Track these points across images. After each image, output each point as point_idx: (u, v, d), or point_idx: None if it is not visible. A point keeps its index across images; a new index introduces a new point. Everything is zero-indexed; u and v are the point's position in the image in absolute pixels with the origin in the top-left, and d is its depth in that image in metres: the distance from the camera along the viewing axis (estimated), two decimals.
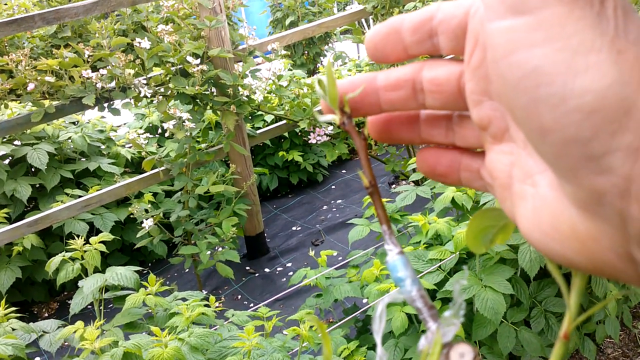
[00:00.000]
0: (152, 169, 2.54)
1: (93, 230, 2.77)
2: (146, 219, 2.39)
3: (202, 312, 1.47)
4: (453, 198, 2.07)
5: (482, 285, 1.80)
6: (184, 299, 1.61)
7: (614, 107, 0.18)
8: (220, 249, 2.58)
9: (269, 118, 3.45)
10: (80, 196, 2.70)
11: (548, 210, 0.23)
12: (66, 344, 2.06)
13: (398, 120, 0.31)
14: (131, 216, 2.58)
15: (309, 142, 3.01)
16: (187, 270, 3.12)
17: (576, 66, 0.18)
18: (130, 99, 2.35)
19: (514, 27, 0.20)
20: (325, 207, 3.65)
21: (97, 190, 2.59)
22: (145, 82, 2.37)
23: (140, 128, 3.46)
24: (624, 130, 0.18)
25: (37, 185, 2.96)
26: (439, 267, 1.92)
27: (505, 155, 0.25)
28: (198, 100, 2.46)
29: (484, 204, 2.04)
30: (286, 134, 3.62)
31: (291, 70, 3.57)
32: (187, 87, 2.35)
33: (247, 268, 3.10)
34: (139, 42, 2.31)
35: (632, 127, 0.18)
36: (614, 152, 0.18)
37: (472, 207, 2.07)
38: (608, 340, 2.36)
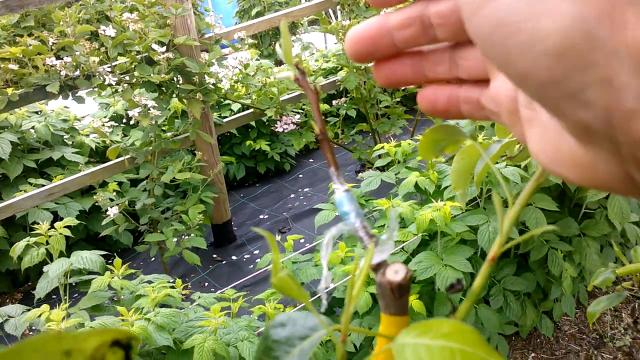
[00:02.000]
0: (117, 158, 2.53)
1: (57, 220, 2.74)
2: (111, 207, 2.38)
3: (168, 293, 1.49)
4: (416, 182, 2.12)
5: (442, 265, 1.86)
6: (149, 282, 1.62)
7: (579, 45, 0.19)
8: (186, 236, 2.59)
9: (235, 107, 3.46)
10: (43, 185, 2.67)
11: (549, 136, 0.24)
12: (30, 333, 2.05)
13: (402, 61, 0.31)
14: (96, 204, 2.56)
15: (276, 130, 3.03)
16: (153, 259, 3.12)
17: (537, 11, 0.19)
18: (94, 87, 2.34)
19: None
20: (292, 196, 3.68)
21: (61, 179, 2.57)
22: (110, 70, 2.36)
23: (105, 117, 3.43)
24: (594, 65, 0.19)
25: (0, 175, 2.92)
26: (402, 248, 1.98)
27: (509, 82, 0.25)
28: (164, 88, 2.46)
29: (445, 187, 2.10)
30: (253, 123, 3.63)
31: (258, 60, 3.58)
32: (152, 75, 2.35)
33: (214, 256, 3.11)
34: (104, 30, 2.30)
35: (600, 60, 0.18)
36: (588, 88, 0.19)
37: (435, 191, 2.13)
38: (565, 317, 2.45)
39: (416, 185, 2.13)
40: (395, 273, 0.30)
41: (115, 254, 3.20)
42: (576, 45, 0.19)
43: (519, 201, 0.30)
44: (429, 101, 0.32)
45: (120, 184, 3.03)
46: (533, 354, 2.30)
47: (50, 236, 1.60)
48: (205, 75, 2.52)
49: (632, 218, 2.14)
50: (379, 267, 0.31)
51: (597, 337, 2.38)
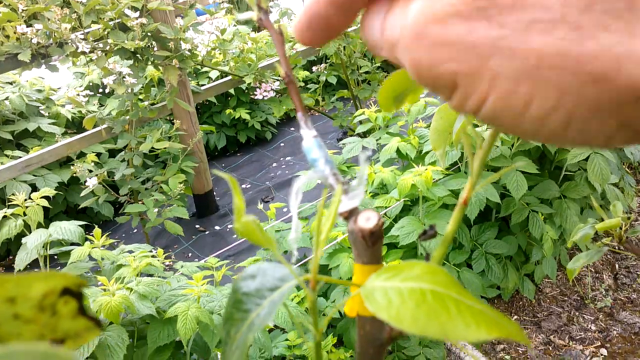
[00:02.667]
0: (94, 128, 2.48)
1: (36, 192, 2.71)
2: (90, 178, 2.34)
3: (150, 262, 1.47)
4: (398, 148, 2.12)
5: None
6: (131, 252, 1.60)
7: None
8: (168, 207, 2.57)
9: (213, 75, 3.41)
10: (20, 157, 2.62)
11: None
12: None
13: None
14: (75, 176, 2.53)
15: (256, 98, 2.99)
16: (135, 230, 3.10)
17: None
18: (67, 55, 2.28)
19: None
20: (274, 165, 3.66)
21: (37, 151, 2.52)
22: (82, 37, 2.29)
23: (80, 86, 3.36)
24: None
25: None
26: (385, 214, 1.98)
27: None
28: (138, 55, 2.40)
29: (427, 152, 2.10)
30: (232, 92, 3.58)
31: (236, 26, 3.51)
32: (126, 42, 2.29)
33: (197, 226, 3.10)
34: None
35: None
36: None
37: (416, 156, 2.12)
38: (546, 280, 2.49)
39: (398, 151, 2.12)
40: (367, 220, 0.29)
41: (96, 226, 3.17)
42: None
43: (488, 140, 0.28)
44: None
45: (99, 155, 2.98)
46: (515, 317, 2.34)
47: (27, 207, 1.57)
48: (181, 41, 2.47)
49: (612, 179, 2.16)
50: (350, 214, 0.30)
51: (579, 298, 2.42)
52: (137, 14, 2.34)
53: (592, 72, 0.18)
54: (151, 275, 1.56)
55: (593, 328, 2.26)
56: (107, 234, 1.62)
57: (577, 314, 2.33)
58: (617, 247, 0.69)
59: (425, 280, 0.22)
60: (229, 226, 3.07)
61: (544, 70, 0.19)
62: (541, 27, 0.19)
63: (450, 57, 0.20)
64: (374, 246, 0.29)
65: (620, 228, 0.68)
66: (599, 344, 2.18)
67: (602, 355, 2.13)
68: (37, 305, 0.19)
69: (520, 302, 2.38)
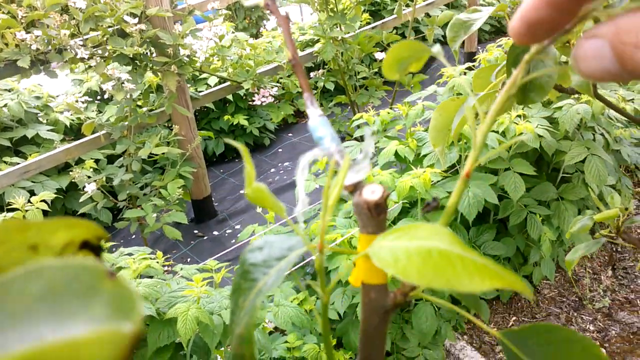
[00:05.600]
0: (92, 134, 2.49)
1: None
2: (88, 184, 2.35)
3: (149, 265, 1.48)
4: (396, 151, 2.13)
5: None
6: (130, 254, 1.61)
7: None
8: (166, 212, 2.57)
9: (212, 82, 3.42)
10: (18, 164, 2.62)
11: None
12: None
13: None
14: (73, 182, 2.53)
15: (254, 104, 3.01)
16: (133, 236, 3.10)
17: None
18: (66, 61, 2.29)
19: None
20: (272, 170, 3.67)
21: (36, 157, 2.53)
22: (81, 43, 2.31)
23: (79, 93, 3.37)
24: None
25: None
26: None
27: None
28: (137, 61, 2.41)
29: (425, 155, 2.11)
30: (231, 98, 3.59)
31: (234, 33, 3.53)
32: (125, 48, 2.31)
33: (196, 231, 3.10)
34: (74, 2, 2.24)
35: None
36: None
37: (414, 159, 2.14)
38: (545, 281, 2.49)
39: (396, 154, 2.13)
40: (372, 193, 0.30)
41: None
42: None
43: (491, 113, 0.29)
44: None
45: (97, 161, 2.99)
46: (514, 318, 2.34)
47: (27, 210, 1.57)
48: (180, 47, 2.48)
49: (609, 181, 2.17)
50: (355, 188, 0.31)
51: (577, 299, 2.42)
52: (136, 20, 2.36)
53: None
54: (151, 278, 1.56)
55: (592, 328, 2.26)
56: (107, 245, 1.62)
57: (575, 314, 2.34)
58: (615, 239, 0.70)
59: (430, 239, 0.23)
60: (228, 231, 3.07)
61: None
62: None
63: None
64: (378, 217, 0.29)
65: (618, 219, 0.69)
66: (598, 344, 2.18)
67: None
68: (58, 255, 0.20)
69: (519, 304, 2.39)
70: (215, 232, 3.07)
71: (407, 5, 3.47)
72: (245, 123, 3.57)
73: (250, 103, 3.23)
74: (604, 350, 2.14)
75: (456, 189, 0.31)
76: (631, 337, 2.21)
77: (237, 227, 3.09)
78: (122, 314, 0.12)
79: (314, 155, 0.32)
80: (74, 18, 2.28)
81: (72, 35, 2.30)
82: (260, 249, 0.30)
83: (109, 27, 2.35)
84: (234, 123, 3.58)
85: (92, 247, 0.21)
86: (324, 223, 0.25)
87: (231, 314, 0.29)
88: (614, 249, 2.67)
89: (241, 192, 3.46)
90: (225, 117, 3.56)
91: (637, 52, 0.21)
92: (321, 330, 0.25)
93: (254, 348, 0.26)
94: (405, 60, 0.32)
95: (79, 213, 2.63)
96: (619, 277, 2.50)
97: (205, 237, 3.05)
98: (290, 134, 4.11)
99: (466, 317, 0.26)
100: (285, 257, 0.28)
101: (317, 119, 0.33)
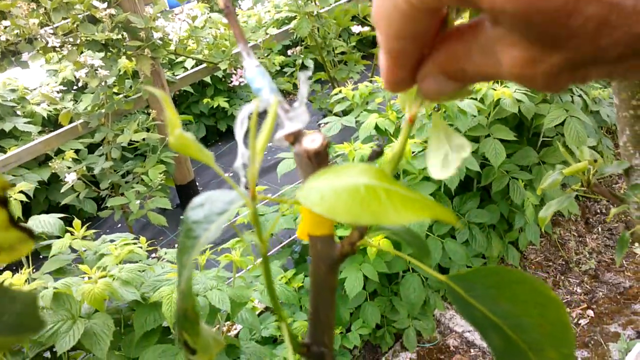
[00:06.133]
0: (70, 123, 2.46)
1: None
2: (69, 174, 2.32)
3: (132, 250, 1.47)
4: (376, 124, 2.12)
5: None
6: (112, 241, 1.59)
7: None
8: (150, 198, 2.55)
9: (189, 65, 3.38)
10: None
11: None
12: None
13: None
14: (55, 174, 2.50)
15: (233, 85, 2.97)
16: (119, 225, 3.08)
17: None
18: (38, 50, 2.24)
19: None
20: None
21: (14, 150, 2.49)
22: (52, 31, 2.26)
23: (54, 83, 3.32)
24: None
25: None
26: None
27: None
28: (110, 47, 2.38)
29: None
30: (209, 80, 3.56)
31: (209, 14, 3.48)
32: (96, 34, 2.27)
33: (182, 217, 3.08)
34: None
35: None
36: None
37: (395, 131, 2.13)
38: (530, 246, 2.51)
39: (376, 127, 2.12)
40: (312, 142, 0.29)
41: (75, 217, 3.15)
42: None
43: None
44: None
45: (77, 151, 2.95)
46: None
47: None
48: (152, 31, 2.44)
49: (590, 142, 2.18)
50: (296, 138, 0.30)
51: (563, 263, 2.45)
52: (106, 5, 2.32)
53: None
54: (136, 263, 1.55)
55: (579, 291, 2.29)
56: (89, 225, 1.61)
57: (562, 278, 2.36)
58: (587, 192, 0.70)
59: (358, 177, 0.22)
60: None
61: None
62: None
63: None
64: (319, 166, 0.29)
65: (589, 172, 0.68)
66: (586, 305, 2.22)
67: (589, 316, 2.17)
68: None
69: None
70: None
71: None
72: (226, 105, 3.54)
73: (229, 85, 3.19)
74: (591, 312, 2.17)
75: (402, 133, 0.30)
76: (618, 297, 2.23)
77: None
78: None
79: (253, 108, 0.31)
80: (43, 7, 2.24)
81: (42, 24, 2.26)
82: (202, 205, 0.29)
83: (79, 13, 2.31)
84: (214, 106, 3.55)
85: (1, 202, 0.20)
86: (253, 169, 0.24)
87: (178, 274, 0.28)
88: (597, 210, 2.69)
89: (226, 175, 3.43)
90: (205, 100, 3.53)
91: (463, 72, 0.25)
92: (265, 284, 0.24)
93: (195, 301, 0.25)
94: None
95: (62, 204, 2.60)
96: (604, 238, 2.53)
97: None
98: None
99: (424, 269, 0.26)
100: (226, 210, 0.28)
101: (254, 70, 0.32)
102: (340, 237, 1.71)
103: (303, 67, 3.52)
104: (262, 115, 0.31)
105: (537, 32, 0.20)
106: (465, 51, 0.24)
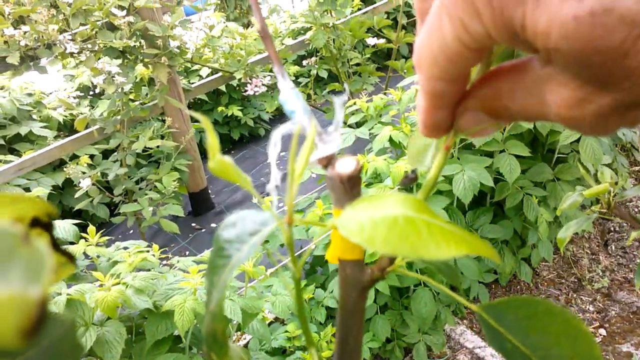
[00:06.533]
0: (85, 129, 2.48)
1: None
2: (83, 179, 2.34)
3: (145, 258, 1.47)
4: (390, 137, 2.12)
5: None
6: (126, 248, 1.60)
7: None
8: (163, 205, 2.56)
9: (204, 73, 3.40)
10: (12, 161, 2.61)
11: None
12: None
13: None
14: (69, 179, 2.52)
15: (247, 94, 2.99)
16: (131, 231, 3.09)
17: None
18: (56, 56, 2.27)
19: None
20: (268, 161, 3.64)
21: (30, 154, 2.51)
22: (70, 38, 2.29)
23: (71, 89, 3.35)
24: None
25: None
26: None
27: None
28: (127, 54, 2.40)
29: None
30: (224, 89, 3.58)
31: (224, 23, 3.51)
32: (114, 41, 2.29)
33: (193, 225, 3.09)
34: None
35: None
36: None
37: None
38: (543, 263, 2.49)
39: (390, 140, 2.12)
40: (346, 165, 0.29)
41: (90, 224, 3.17)
42: None
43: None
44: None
45: (92, 156, 2.98)
46: None
47: None
48: (169, 39, 2.46)
49: (605, 160, 2.17)
50: (329, 162, 0.30)
51: (576, 280, 2.42)
52: (125, 12, 2.34)
53: None
54: (148, 271, 1.56)
55: (591, 309, 2.26)
56: (101, 232, 1.62)
57: (575, 295, 2.34)
58: (607, 214, 0.70)
59: (397, 207, 0.22)
60: None
61: None
62: None
63: None
64: (352, 190, 0.29)
65: (609, 194, 0.68)
66: (598, 324, 2.19)
67: (601, 335, 2.14)
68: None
69: (518, 286, 2.39)
70: (213, 225, 3.07)
71: None
72: (240, 114, 3.55)
73: (244, 93, 3.21)
74: (603, 331, 2.14)
75: (437, 162, 0.30)
76: (631, 316, 2.21)
77: None
78: (32, 278, 0.11)
79: (287, 129, 0.31)
80: (62, 13, 2.26)
81: (61, 30, 2.28)
82: (234, 224, 0.29)
83: (98, 20, 2.33)
84: (228, 114, 3.56)
85: (43, 225, 0.20)
86: (291, 194, 0.25)
87: (207, 294, 0.28)
88: (610, 228, 2.67)
89: (237, 184, 3.44)
90: (219, 109, 3.55)
91: (505, 110, 0.25)
92: (295, 308, 0.24)
93: (224, 324, 0.25)
94: (427, 149, 0.32)
95: (75, 209, 2.62)
96: (618, 256, 2.50)
97: (203, 230, 3.04)
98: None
99: (456, 298, 0.26)
100: (259, 231, 0.28)
101: (288, 92, 0.32)
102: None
103: (318, 77, 3.53)
104: (288, 136, 0.31)
105: (590, 72, 0.19)
106: (510, 89, 0.24)
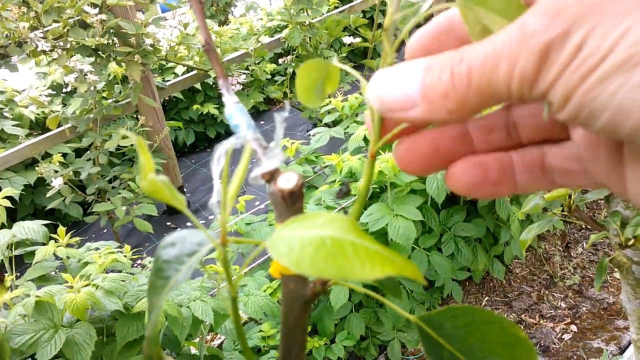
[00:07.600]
0: (58, 127, 2.45)
1: None
2: (55, 178, 2.31)
3: (116, 259, 1.46)
4: (365, 136, 2.13)
5: (393, 215, 1.87)
6: (97, 249, 1.58)
7: None
8: (136, 204, 2.54)
9: (180, 71, 3.38)
10: None
11: None
12: None
13: (446, 139, 0.28)
14: (41, 177, 2.49)
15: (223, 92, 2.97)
16: (105, 230, 3.06)
17: None
18: (27, 54, 2.24)
19: None
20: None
21: (1, 153, 2.47)
22: (42, 35, 2.25)
23: (43, 87, 3.30)
24: None
25: None
26: (353, 202, 1.98)
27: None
28: (100, 52, 2.37)
29: None
30: (199, 87, 3.55)
31: None
32: (87, 39, 2.26)
33: (168, 223, 3.07)
34: None
35: None
36: None
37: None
38: (516, 260, 2.52)
39: (365, 139, 2.13)
40: (287, 181, 0.29)
41: (65, 228, 3.13)
42: None
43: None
44: (474, 175, 0.27)
45: (64, 155, 2.94)
46: (487, 298, 2.37)
47: None
48: (143, 37, 2.44)
49: None
50: (272, 177, 0.30)
51: (548, 277, 2.46)
52: (97, 10, 2.31)
53: None
54: (120, 272, 1.54)
55: (563, 305, 2.30)
56: (73, 232, 1.60)
57: (547, 292, 2.37)
58: (567, 217, 0.71)
59: (325, 228, 0.22)
60: (201, 222, 3.04)
61: None
62: None
63: None
64: (293, 206, 0.29)
65: (570, 197, 0.69)
66: (569, 320, 2.23)
67: (572, 331, 2.18)
68: None
69: (491, 284, 2.42)
70: (189, 224, 3.05)
71: None
72: (216, 112, 3.53)
73: (220, 92, 3.18)
74: (574, 327, 2.18)
75: (365, 171, 0.30)
76: (602, 313, 2.25)
77: (210, 217, 3.07)
78: None
79: (232, 144, 0.31)
80: (33, 10, 2.23)
81: (32, 28, 2.25)
82: (173, 244, 0.29)
83: (70, 18, 2.30)
84: (204, 112, 3.54)
85: None
86: (224, 215, 0.25)
87: (148, 313, 0.28)
88: (582, 225, 2.71)
89: (213, 182, 3.43)
90: (195, 107, 3.52)
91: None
92: (234, 327, 0.24)
93: (160, 349, 0.25)
94: (317, 82, 0.31)
95: (47, 208, 2.58)
96: (589, 254, 2.55)
97: (178, 229, 3.01)
98: (262, 122, 4.09)
99: (396, 309, 0.26)
100: (196, 252, 0.28)
101: (232, 107, 0.32)
102: None
103: (294, 75, 3.52)
104: (240, 151, 0.31)
105: None
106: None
